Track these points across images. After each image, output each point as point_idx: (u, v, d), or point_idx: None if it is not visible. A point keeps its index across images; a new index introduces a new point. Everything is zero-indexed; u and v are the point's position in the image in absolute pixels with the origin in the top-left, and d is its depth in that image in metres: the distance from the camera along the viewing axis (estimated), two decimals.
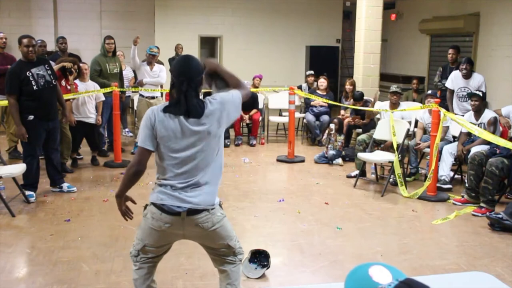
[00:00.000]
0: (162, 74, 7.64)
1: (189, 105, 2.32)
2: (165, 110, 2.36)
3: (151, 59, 7.55)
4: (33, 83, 4.99)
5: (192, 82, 2.35)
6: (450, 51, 7.33)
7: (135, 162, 2.54)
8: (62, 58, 6.71)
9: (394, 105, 6.31)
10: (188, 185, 2.38)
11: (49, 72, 5.19)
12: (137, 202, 2.70)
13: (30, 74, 4.98)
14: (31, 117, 5.02)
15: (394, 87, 6.43)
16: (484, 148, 5.37)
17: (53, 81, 5.22)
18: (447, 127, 6.05)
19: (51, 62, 6.19)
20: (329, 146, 7.14)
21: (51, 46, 9.98)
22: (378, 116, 6.94)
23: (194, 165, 2.38)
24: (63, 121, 5.71)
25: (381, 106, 6.94)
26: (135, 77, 8.26)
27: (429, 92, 6.58)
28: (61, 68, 6.15)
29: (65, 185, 5.53)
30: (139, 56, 7.57)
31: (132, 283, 2.63)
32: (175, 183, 2.39)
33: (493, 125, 5.52)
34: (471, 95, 5.80)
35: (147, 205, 2.55)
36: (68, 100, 6.39)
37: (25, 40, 5.02)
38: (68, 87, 6.30)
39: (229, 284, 2.61)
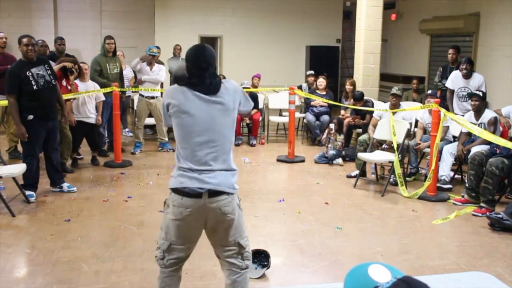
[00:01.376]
0: (161, 73, 7.68)
1: (207, 83, 2.47)
2: (182, 86, 2.49)
3: (151, 59, 7.55)
4: (33, 83, 4.99)
5: (210, 66, 2.50)
6: (450, 51, 7.32)
7: None
8: (63, 58, 6.71)
9: (394, 106, 6.31)
10: (207, 167, 2.42)
11: (49, 72, 5.19)
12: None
13: (30, 74, 4.98)
14: (31, 116, 5.02)
15: (395, 89, 6.42)
16: (484, 148, 5.37)
17: (53, 81, 5.22)
18: (447, 127, 6.05)
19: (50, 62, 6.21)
20: (329, 146, 7.14)
21: (51, 47, 9.96)
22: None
23: (213, 144, 2.44)
24: (62, 121, 5.70)
25: (381, 106, 6.94)
26: (135, 77, 8.27)
27: (429, 92, 6.58)
28: (62, 68, 6.15)
29: (65, 185, 5.53)
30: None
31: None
32: (193, 166, 2.42)
33: (493, 125, 5.52)
34: (471, 95, 5.80)
35: (166, 200, 2.56)
36: (68, 100, 6.40)
37: (24, 40, 5.02)
38: (69, 87, 6.31)
39: None
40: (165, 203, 2.56)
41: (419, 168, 6.35)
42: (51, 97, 5.20)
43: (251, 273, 3.53)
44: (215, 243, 2.61)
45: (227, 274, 2.61)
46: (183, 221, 2.45)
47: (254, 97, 8.46)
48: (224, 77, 9.06)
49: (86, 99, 6.62)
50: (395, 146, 5.74)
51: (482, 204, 4.99)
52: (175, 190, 2.45)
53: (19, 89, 4.95)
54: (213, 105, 2.46)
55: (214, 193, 2.41)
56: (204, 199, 2.40)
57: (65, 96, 6.27)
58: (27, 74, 4.97)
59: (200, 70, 2.47)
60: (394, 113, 6.17)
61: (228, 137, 2.51)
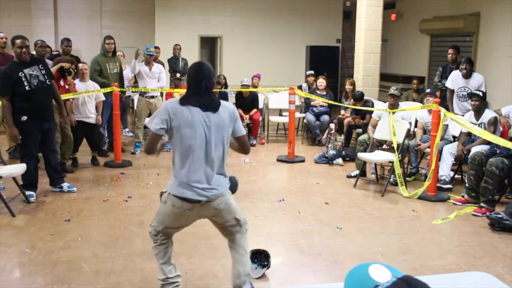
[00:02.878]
0: (162, 76, 7.65)
1: (207, 100, 2.74)
2: (182, 102, 2.73)
3: (149, 59, 7.55)
4: (26, 84, 4.92)
5: (208, 83, 2.77)
6: (450, 51, 7.32)
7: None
8: (59, 58, 6.67)
9: (393, 106, 6.30)
10: (205, 177, 2.73)
11: (43, 72, 5.11)
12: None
13: (23, 74, 4.93)
14: (25, 118, 4.97)
15: (392, 89, 6.41)
16: (484, 148, 5.36)
17: (47, 81, 5.14)
18: (447, 126, 6.04)
19: (50, 61, 6.20)
20: (329, 146, 7.14)
21: (52, 47, 9.97)
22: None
23: (209, 157, 2.73)
24: (61, 121, 5.64)
25: (380, 107, 6.94)
26: (135, 77, 8.26)
27: (428, 90, 6.58)
28: (59, 68, 6.12)
29: (65, 185, 5.52)
30: (139, 58, 7.59)
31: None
32: (191, 178, 2.72)
33: (493, 125, 5.52)
34: (471, 95, 5.80)
35: (162, 192, 2.89)
36: (68, 100, 6.40)
37: (18, 41, 4.96)
38: (67, 87, 6.28)
39: (239, 246, 2.97)
40: (161, 194, 2.87)
41: (419, 168, 6.35)
42: (45, 97, 5.14)
43: (251, 273, 3.54)
44: (216, 225, 3.01)
45: (233, 240, 2.98)
46: (182, 215, 2.82)
47: (254, 97, 8.47)
48: (225, 78, 9.12)
49: (86, 99, 6.62)
50: (395, 146, 5.74)
51: (482, 204, 4.99)
52: (174, 195, 2.77)
53: (12, 91, 4.90)
54: (211, 121, 2.73)
55: (211, 200, 2.79)
56: (202, 204, 2.76)
57: (64, 96, 6.28)
58: (20, 75, 4.91)
59: (198, 85, 2.74)
60: (393, 113, 6.17)
61: (224, 150, 2.81)
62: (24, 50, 4.96)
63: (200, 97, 2.74)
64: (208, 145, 2.73)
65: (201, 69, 2.82)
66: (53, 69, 5.79)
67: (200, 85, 2.75)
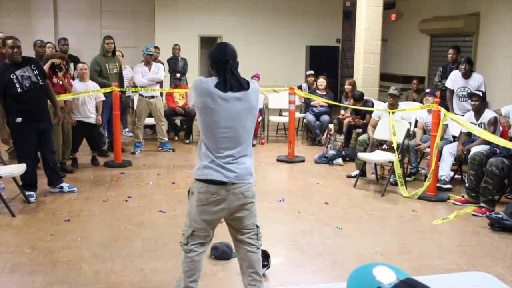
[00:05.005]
0: (160, 72, 7.64)
1: (235, 81, 2.60)
2: (215, 85, 2.58)
3: (149, 58, 7.56)
4: (17, 86, 4.87)
5: (234, 62, 2.66)
6: (450, 51, 7.32)
7: None
8: (50, 54, 6.59)
9: (392, 106, 6.30)
10: (231, 158, 2.61)
11: (36, 72, 5.04)
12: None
13: (14, 76, 4.88)
14: (19, 119, 4.93)
15: (392, 89, 6.41)
16: (484, 148, 5.36)
17: (40, 81, 5.06)
18: (446, 125, 6.04)
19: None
20: (329, 146, 7.15)
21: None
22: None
23: (236, 139, 2.61)
24: (54, 121, 5.45)
25: (380, 107, 6.94)
26: None
27: (427, 90, 6.58)
28: (50, 65, 6.02)
29: (65, 185, 5.51)
30: (139, 58, 7.59)
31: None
32: (218, 157, 2.60)
33: (493, 125, 5.52)
34: (471, 95, 5.80)
35: (189, 189, 2.76)
36: (68, 100, 6.40)
37: (9, 42, 4.90)
38: (61, 83, 6.20)
39: (254, 272, 2.82)
40: (189, 192, 2.75)
41: (419, 168, 6.35)
42: (38, 98, 5.07)
43: None
44: (236, 227, 2.80)
45: (244, 253, 2.82)
46: (207, 206, 2.64)
47: None
48: None
49: (86, 99, 6.62)
50: (395, 146, 5.74)
51: (482, 204, 4.99)
52: (199, 180, 2.65)
53: (3, 93, 4.86)
54: (238, 102, 2.59)
55: (237, 182, 2.63)
56: (228, 186, 2.61)
57: (64, 96, 6.27)
58: (11, 77, 4.86)
59: (223, 65, 2.61)
60: (393, 113, 6.17)
61: (250, 132, 2.69)
62: (15, 50, 4.89)
63: (230, 77, 2.60)
64: (234, 128, 2.61)
65: (224, 48, 2.69)
66: (45, 67, 5.72)
67: (226, 65, 2.61)
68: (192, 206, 2.70)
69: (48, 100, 5.35)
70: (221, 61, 2.62)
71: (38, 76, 5.06)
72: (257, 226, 2.82)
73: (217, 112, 2.55)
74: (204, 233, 2.73)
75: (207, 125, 2.60)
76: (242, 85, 2.61)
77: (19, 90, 4.90)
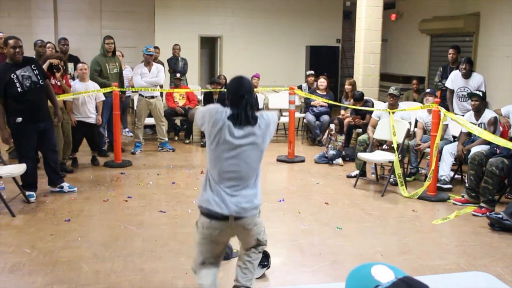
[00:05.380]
0: (160, 75, 7.64)
1: (247, 117, 2.64)
2: (229, 117, 2.63)
3: (149, 59, 7.55)
4: (18, 85, 4.88)
5: (249, 97, 2.68)
6: (451, 51, 7.32)
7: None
8: (48, 55, 6.59)
9: (392, 106, 6.30)
10: (235, 191, 2.65)
11: (36, 72, 5.05)
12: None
13: (15, 76, 4.88)
14: (19, 119, 4.94)
15: (392, 89, 6.41)
16: (484, 148, 5.36)
17: (41, 81, 5.07)
18: (446, 125, 6.04)
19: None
20: (329, 146, 7.15)
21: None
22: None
23: (239, 173, 2.65)
24: (55, 121, 5.45)
25: (380, 107, 6.94)
26: None
27: (428, 90, 6.57)
28: (48, 65, 6.02)
29: (65, 185, 5.50)
30: (139, 58, 7.59)
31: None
32: (221, 187, 2.64)
33: (493, 125, 5.52)
34: (471, 95, 5.80)
35: (197, 222, 2.82)
36: (67, 100, 6.39)
37: (11, 41, 4.91)
38: (58, 83, 6.20)
39: (248, 259, 2.91)
40: (196, 223, 2.82)
41: (419, 168, 6.35)
42: (39, 98, 5.08)
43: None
44: (239, 243, 2.96)
45: (245, 251, 2.93)
46: (213, 239, 2.76)
47: (254, 97, 8.45)
48: (225, 78, 9.12)
49: (86, 99, 6.61)
50: (395, 146, 5.74)
51: (482, 204, 4.99)
52: (204, 214, 2.70)
53: (4, 93, 4.86)
54: (246, 139, 2.63)
55: (239, 217, 2.68)
56: (230, 221, 2.66)
57: (64, 96, 6.27)
58: (12, 76, 4.87)
59: (239, 100, 2.64)
60: (393, 113, 6.17)
61: (255, 168, 2.71)
62: (18, 50, 4.90)
63: (243, 113, 2.63)
64: (239, 164, 2.65)
65: (240, 83, 2.71)
66: (44, 67, 5.72)
67: (241, 101, 2.64)
68: (199, 239, 2.81)
69: (48, 100, 5.35)
70: (237, 96, 2.66)
71: (38, 76, 5.06)
72: (259, 240, 2.87)
73: (223, 144, 2.61)
74: (213, 260, 2.87)
75: (213, 154, 2.65)
76: (249, 121, 2.64)
77: (19, 89, 4.90)
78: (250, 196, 2.67)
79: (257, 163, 2.71)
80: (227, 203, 2.60)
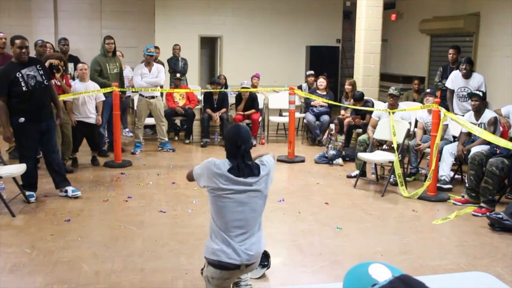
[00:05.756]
0: (160, 75, 7.63)
1: (247, 167, 2.68)
2: (229, 170, 2.65)
3: (149, 59, 7.55)
4: (23, 84, 4.88)
5: (246, 147, 2.72)
6: (451, 51, 7.32)
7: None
8: (48, 55, 6.59)
9: (392, 106, 6.30)
10: (244, 239, 2.67)
11: (41, 72, 5.06)
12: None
13: (20, 75, 4.89)
14: (22, 119, 4.93)
15: (392, 89, 6.41)
16: (484, 148, 5.36)
17: (45, 81, 5.08)
18: (446, 125, 6.04)
19: None
20: (330, 146, 7.14)
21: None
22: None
23: (246, 221, 2.68)
24: (57, 122, 5.45)
25: (380, 107, 6.94)
26: None
27: (428, 90, 6.57)
28: (48, 66, 6.02)
29: (70, 189, 5.36)
30: (139, 58, 7.59)
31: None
32: (230, 235, 2.65)
33: (493, 125, 5.52)
34: (471, 95, 5.80)
35: (202, 271, 2.83)
36: (67, 100, 6.38)
37: (18, 41, 4.92)
38: (58, 84, 6.19)
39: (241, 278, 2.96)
40: (202, 272, 2.84)
41: (419, 168, 6.35)
42: (43, 98, 5.08)
43: (251, 273, 3.54)
44: None
45: None
46: (224, 286, 2.76)
47: (253, 97, 8.46)
48: (225, 78, 9.12)
49: (86, 99, 6.61)
50: (395, 146, 5.74)
51: (482, 204, 4.99)
52: (214, 265, 2.67)
53: (8, 91, 4.86)
54: (248, 189, 2.68)
55: (250, 263, 2.71)
56: (242, 269, 2.69)
57: (64, 97, 6.27)
58: (17, 75, 4.87)
59: (236, 150, 2.68)
60: (393, 113, 6.17)
61: (260, 214, 2.78)
62: (24, 50, 4.92)
63: (242, 164, 2.67)
64: (244, 213, 2.68)
65: (237, 133, 2.74)
66: None
67: (238, 151, 2.68)
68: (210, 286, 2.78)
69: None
70: (234, 146, 2.70)
71: (43, 76, 5.09)
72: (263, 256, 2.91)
73: (228, 196, 2.63)
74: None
75: (218, 206, 2.66)
76: (253, 170, 2.68)
77: (24, 88, 4.92)
78: (257, 242, 2.73)
79: (262, 209, 2.79)
80: (238, 253, 2.62)
